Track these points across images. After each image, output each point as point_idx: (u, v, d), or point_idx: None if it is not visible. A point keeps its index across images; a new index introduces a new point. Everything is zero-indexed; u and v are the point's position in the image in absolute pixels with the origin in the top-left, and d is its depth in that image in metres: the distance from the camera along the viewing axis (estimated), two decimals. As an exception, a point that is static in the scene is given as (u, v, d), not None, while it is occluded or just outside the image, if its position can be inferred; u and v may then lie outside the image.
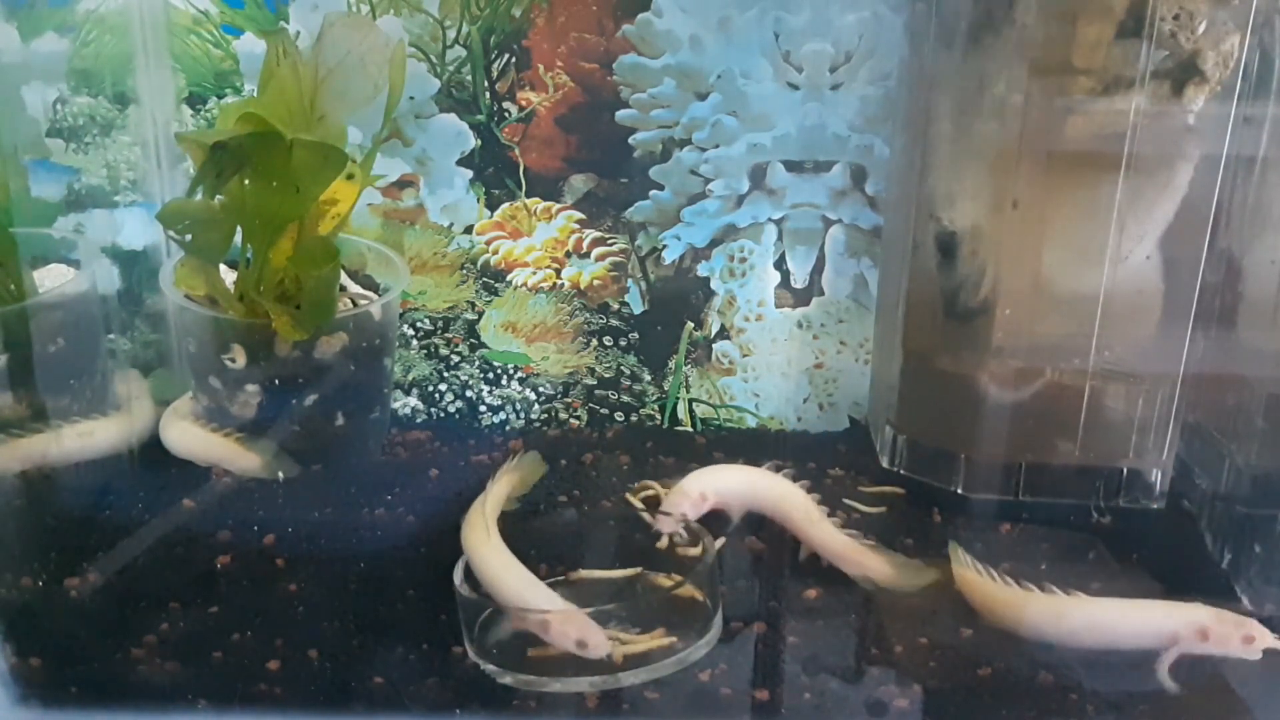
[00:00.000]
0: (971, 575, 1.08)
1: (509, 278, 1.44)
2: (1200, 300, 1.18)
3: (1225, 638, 0.99)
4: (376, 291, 1.36)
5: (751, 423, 1.47)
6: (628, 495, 1.25)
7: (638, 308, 1.45)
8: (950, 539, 1.14)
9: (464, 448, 1.39)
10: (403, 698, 0.99)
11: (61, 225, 1.41)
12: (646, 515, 1.18)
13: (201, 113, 1.38)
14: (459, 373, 1.47)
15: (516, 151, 1.40)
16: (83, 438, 1.28)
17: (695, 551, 1.12)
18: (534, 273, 1.44)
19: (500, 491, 1.17)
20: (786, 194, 1.40)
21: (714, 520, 1.18)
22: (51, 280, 1.35)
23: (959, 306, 1.24)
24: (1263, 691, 1.00)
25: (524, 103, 1.38)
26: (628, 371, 1.46)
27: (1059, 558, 1.17)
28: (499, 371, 1.47)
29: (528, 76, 1.37)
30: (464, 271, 1.44)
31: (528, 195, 1.41)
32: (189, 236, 1.18)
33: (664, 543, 1.14)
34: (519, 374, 1.47)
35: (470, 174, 1.41)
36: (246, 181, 1.16)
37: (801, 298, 1.43)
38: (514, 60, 1.37)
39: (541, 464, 1.27)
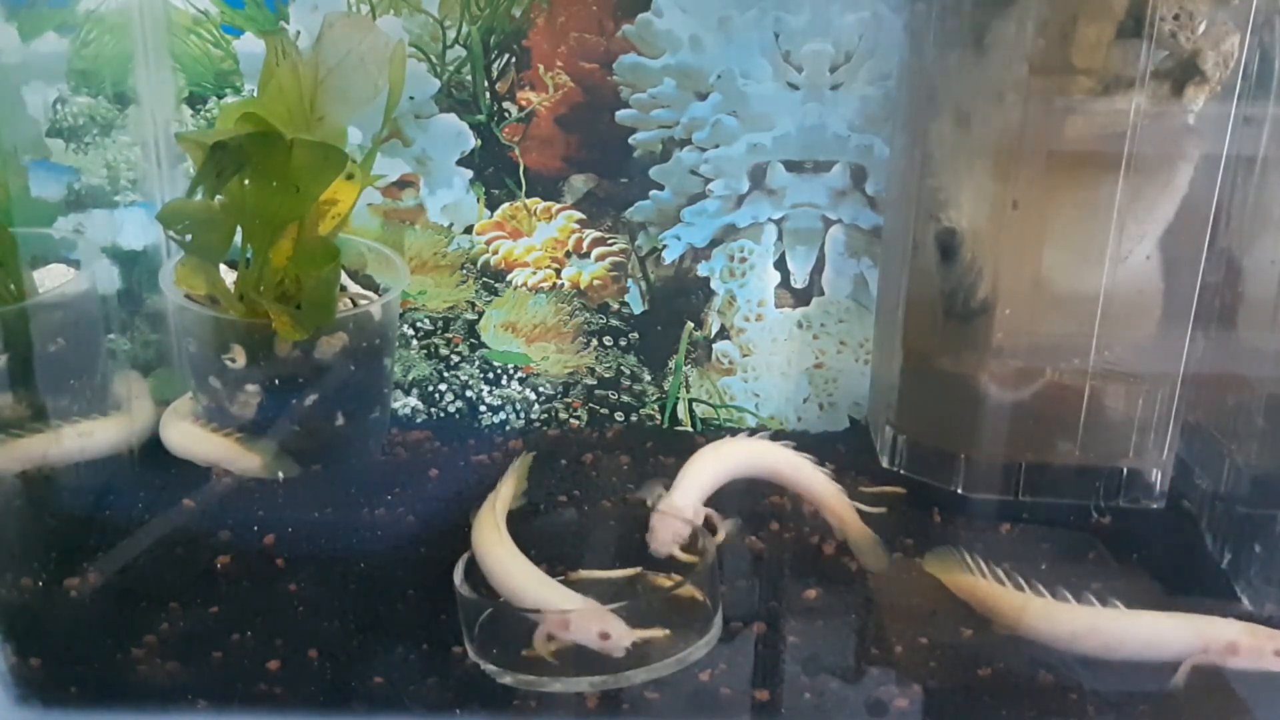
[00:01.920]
0: (976, 581, 1.08)
1: (509, 278, 1.44)
2: (1200, 300, 1.18)
3: (1259, 652, 0.98)
4: (376, 291, 1.36)
5: (751, 423, 1.47)
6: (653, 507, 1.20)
7: (638, 308, 1.45)
8: (945, 544, 1.14)
9: (464, 448, 1.39)
10: (403, 698, 0.99)
11: (61, 225, 1.41)
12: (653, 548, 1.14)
13: (201, 113, 1.38)
14: (459, 373, 1.47)
15: (516, 151, 1.40)
16: (83, 438, 1.28)
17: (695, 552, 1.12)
18: (534, 273, 1.44)
19: (507, 493, 1.16)
20: (786, 194, 1.40)
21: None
22: (51, 280, 1.34)
23: (959, 306, 1.24)
24: (1263, 691, 1.00)
25: (524, 103, 1.38)
26: (628, 371, 1.46)
27: (1059, 558, 1.17)
28: (499, 371, 1.46)
29: (528, 76, 1.37)
30: (464, 271, 1.44)
31: (528, 195, 1.41)
32: (189, 236, 1.18)
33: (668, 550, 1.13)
34: (519, 374, 1.47)
35: (470, 174, 1.40)
36: (246, 181, 1.16)
37: (801, 298, 1.43)
38: (514, 60, 1.37)
39: (529, 458, 1.27)
